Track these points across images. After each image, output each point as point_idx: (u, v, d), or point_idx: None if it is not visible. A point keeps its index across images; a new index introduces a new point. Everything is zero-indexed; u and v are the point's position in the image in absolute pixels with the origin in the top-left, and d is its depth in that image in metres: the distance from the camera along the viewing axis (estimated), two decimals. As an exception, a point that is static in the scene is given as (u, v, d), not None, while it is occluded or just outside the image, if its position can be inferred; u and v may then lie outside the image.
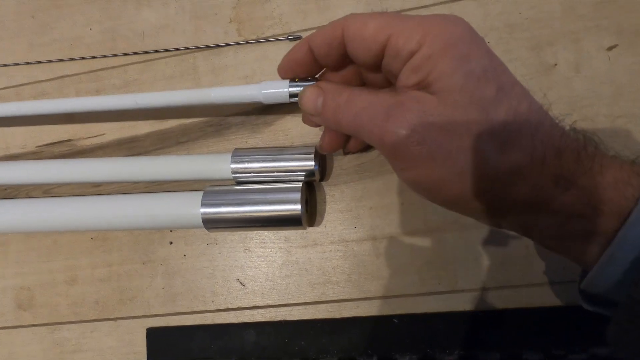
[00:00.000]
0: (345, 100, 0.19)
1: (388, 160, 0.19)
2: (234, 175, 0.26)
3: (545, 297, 0.24)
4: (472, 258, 0.25)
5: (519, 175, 0.17)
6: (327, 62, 0.21)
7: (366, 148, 0.26)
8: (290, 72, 0.22)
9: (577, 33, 0.26)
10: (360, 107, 0.18)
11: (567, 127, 0.17)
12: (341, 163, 0.27)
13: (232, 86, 0.24)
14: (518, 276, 0.25)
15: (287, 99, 0.23)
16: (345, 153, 0.25)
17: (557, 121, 0.17)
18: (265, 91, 0.23)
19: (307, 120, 0.23)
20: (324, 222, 0.27)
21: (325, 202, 0.27)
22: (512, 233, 0.25)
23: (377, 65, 0.19)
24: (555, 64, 0.26)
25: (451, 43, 0.17)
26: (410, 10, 0.28)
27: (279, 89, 0.23)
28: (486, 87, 0.16)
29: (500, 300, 0.25)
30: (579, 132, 0.17)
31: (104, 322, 0.29)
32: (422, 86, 0.17)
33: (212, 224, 0.25)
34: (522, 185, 0.17)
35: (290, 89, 0.22)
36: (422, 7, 0.27)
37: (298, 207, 0.24)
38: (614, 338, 0.16)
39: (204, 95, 0.24)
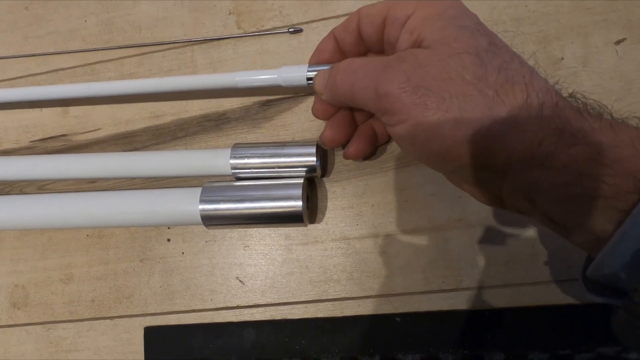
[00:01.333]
0: (346, 63, 0.20)
1: (381, 118, 0.19)
2: (233, 171, 0.25)
3: (551, 296, 0.24)
4: (477, 256, 0.25)
5: (515, 125, 0.16)
6: (346, 48, 0.22)
7: (367, 156, 0.25)
8: (317, 61, 0.23)
9: (585, 27, 0.25)
10: (358, 65, 0.19)
11: (567, 94, 0.17)
12: (343, 159, 0.26)
13: (254, 70, 0.25)
14: (523, 274, 0.24)
15: (304, 82, 0.23)
16: (345, 157, 0.24)
17: (553, 85, 0.17)
18: (284, 75, 0.24)
19: (316, 110, 0.23)
20: (325, 219, 0.26)
21: (326, 198, 0.27)
22: (516, 231, 0.24)
23: (381, 39, 0.20)
24: (562, 58, 0.25)
25: (443, 9, 0.18)
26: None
27: (297, 73, 0.23)
28: (480, 38, 0.17)
29: (505, 299, 0.24)
30: (580, 98, 0.17)
31: (101, 320, 0.28)
32: (418, 44, 0.18)
33: (211, 220, 0.24)
34: (519, 138, 0.16)
35: (308, 73, 0.23)
36: None
37: (299, 203, 0.23)
38: (623, 328, 0.15)
39: (229, 79, 0.25)
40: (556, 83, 0.17)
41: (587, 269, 0.16)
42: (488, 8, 0.26)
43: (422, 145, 0.18)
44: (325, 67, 0.22)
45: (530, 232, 0.24)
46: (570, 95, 0.17)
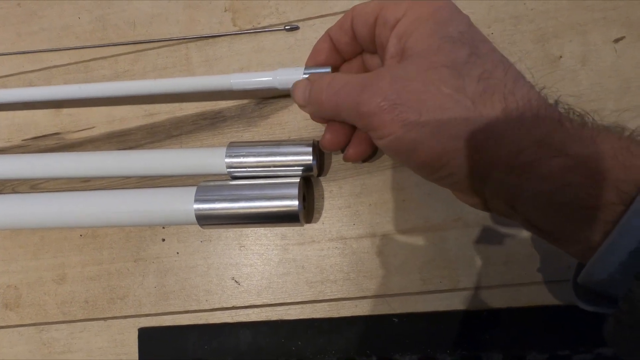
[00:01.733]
0: (327, 82, 0.20)
1: (367, 132, 0.19)
2: (228, 170, 0.25)
3: (550, 296, 0.24)
4: (474, 256, 0.24)
5: (493, 136, 0.16)
6: (341, 47, 0.22)
7: (366, 158, 0.25)
8: (314, 64, 0.23)
9: (584, 25, 0.25)
10: (340, 85, 0.19)
11: (552, 101, 0.17)
12: (340, 158, 0.26)
13: (249, 72, 0.25)
14: (521, 274, 0.24)
15: None
16: (345, 160, 0.24)
17: (540, 93, 0.17)
18: (280, 77, 0.24)
19: (326, 141, 0.23)
20: (321, 219, 0.26)
21: (323, 198, 0.26)
22: (514, 231, 0.24)
23: (374, 40, 0.21)
24: (561, 57, 0.25)
25: (433, 11, 0.18)
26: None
27: (293, 76, 0.23)
28: (460, 49, 0.17)
29: (503, 299, 0.24)
30: (564, 105, 0.17)
31: (94, 321, 0.28)
32: (404, 52, 0.18)
33: (206, 220, 0.24)
34: (498, 147, 0.16)
35: (304, 75, 0.23)
36: None
37: (295, 203, 0.23)
38: (613, 336, 0.15)
39: (223, 82, 0.25)
40: (542, 89, 0.17)
41: (578, 275, 0.16)
42: (486, 6, 0.26)
43: (405, 157, 0.18)
44: (322, 70, 0.22)
45: (528, 232, 0.24)
46: (556, 102, 0.17)
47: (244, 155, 0.24)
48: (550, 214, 0.16)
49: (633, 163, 0.14)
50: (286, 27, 0.28)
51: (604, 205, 0.15)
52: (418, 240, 0.25)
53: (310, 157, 0.24)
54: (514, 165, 0.16)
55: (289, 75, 0.23)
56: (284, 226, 0.26)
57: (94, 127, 0.30)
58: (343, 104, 0.19)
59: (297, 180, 0.24)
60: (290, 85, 0.23)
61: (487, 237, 0.24)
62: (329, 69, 0.23)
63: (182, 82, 0.26)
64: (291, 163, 0.24)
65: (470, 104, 0.16)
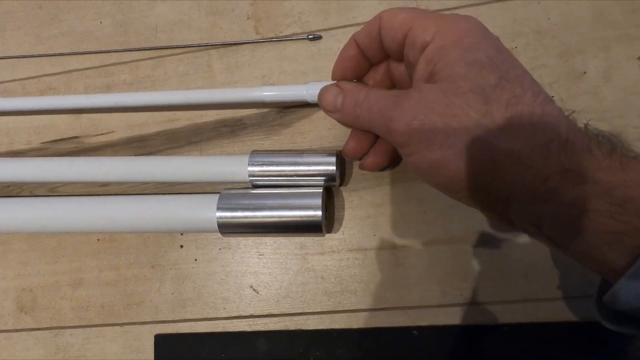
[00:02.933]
0: (363, 97, 0.21)
1: (398, 149, 0.20)
2: (250, 178, 0.25)
3: (570, 312, 0.23)
4: (495, 270, 0.24)
5: (518, 162, 0.16)
6: (369, 54, 0.22)
7: (383, 168, 0.25)
8: (341, 70, 0.23)
9: (607, 40, 0.25)
10: (374, 101, 0.20)
11: (582, 125, 0.17)
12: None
13: (281, 86, 0.25)
14: (542, 289, 0.24)
15: None
16: (361, 168, 0.24)
17: (569, 117, 0.17)
18: (312, 91, 0.24)
19: (349, 149, 0.23)
20: (341, 229, 0.26)
21: (343, 208, 0.26)
22: (536, 245, 0.24)
23: (401, 54, 0.21)
24: (585, 72, 0.25)
25: (462, 35, 0.18)
26: (435, 13, 0.27)
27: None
28: (489, 75, 0.17)
29: (523, 314, 0.24)
30: (593, 130, 0.17)
31: (110, 327, 0.27)
32: (432, 76, 0.18)
33: (228, 228, 0.24)
34: (523, 173, 0.16)
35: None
36: (446, 8, 0.27)
37: (319, 213, 0.23)
38: None
39: (255, 94, 0.25)
40: (572, 113, 0.17)
41: (602, 293, 0.16)
42: (509, 20, 0.26)
43: (429, 176, 0.19)
44: (350, 84, 0.22)
45: (549, 248, 0.24)
46: (585, 126, 0.17)
47: (266, 164, 0.24)
48: (576, 237, 0.16)
49: None
50: (309, 37, 0.28)
51: (631, 231, 0.15)
52: (438, 252, 0.25)
53: (334, 167, 0.24)
54: (538, 191, 0.16)
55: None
56: (306, 236, 0.26)
57: (113, 132, 0.30)
58: (376, 120, 0.20)
59: (320, 190, 0.24)
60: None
61: (507, 251, 0.24)
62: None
63: (213, 93, 0.26)
64: (314, 173, 0.24)
65: (496, 131, 0.17)
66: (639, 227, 0.15)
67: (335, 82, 0.23)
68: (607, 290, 0.16)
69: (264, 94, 0.25)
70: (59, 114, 0.30)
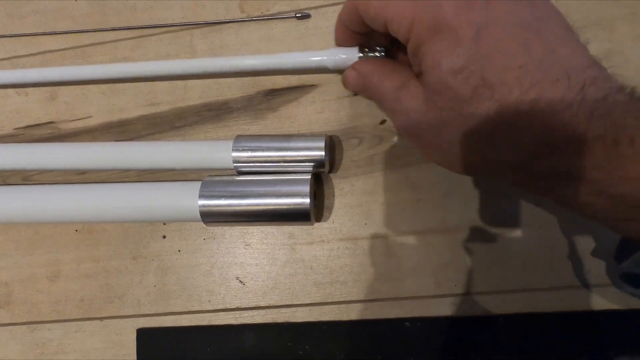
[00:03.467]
0: (375, 83, 0.21)
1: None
2: (235, 164, 0.23)
3: (569, 302, 0.23)
4: (491, 260, 0.23)
5: (510, 169, 0.17)
6: (363, 31, 0.21)
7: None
8: (342, 40, 0.22)
9: (612, 20, 0.24)
10: (383, 91, 0.20)
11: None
12: (352, 154, 0.25)
13: (302, 52, 0.24)
14: (540, 279, 0.23)
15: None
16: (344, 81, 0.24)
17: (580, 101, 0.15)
18: (335, 57, 0.23)
19: (346, 82, 0.23)
20: (331, 218, 0.25)
21: (333, 195, 0.25)
22: (534, 235, 0.23)
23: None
24: (586, 52, 0.24)
25: (435, 30, 0.16)
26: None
27: (349, 55, 0.22)
28: (465, 85, 0.16)
29: (520, 305, 0.23)
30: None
31: (90, 321, 0.26)
32: (421, 75, 0.18)
33: (211, 217, 0.23)
34: (518, 175, 0.17)
35: (360, 55, 0.22)
36: None
37: (307, 200, 0.22)
38: None
39: (276, 60, 0.24)
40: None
41: (621, 253, 0.16)
42: (508, -3, 0.25)
43: (435, 157, 0.20)
44: (376, 54, 0.22)
45: (549, 236, 0.23)
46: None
47: (252, 150, 0.23)
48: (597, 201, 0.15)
49: None
50: (297, 15, 0.26)
51: None
52: (433, 242, 0.24)
53: (323, 153, 0.23)
54: (528, 186, 0.17)
55: (345, 55, 0.22)
56: (293, 225, 0.25)
57: (91, 117, 0.28)
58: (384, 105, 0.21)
59: (309, 176, 0.22)
60: (344, 66, 0.23)
61: (505, 241, 0.23)
62: (382, 53, 0.22)
63: (231, 61, 0.25)
64: (302, 158, 0.23)
65: (480, 142, 0.17)
66: None
67: (382, 52, 0.22)
68: (626, 249, 0.15)
69: (284, 60, 0.24)
70: (29, 91, 0.28)
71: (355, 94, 0.25)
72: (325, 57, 0.23)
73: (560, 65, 0.15)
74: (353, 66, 0.22)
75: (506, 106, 0.15)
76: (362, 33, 0.21)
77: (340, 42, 0.22)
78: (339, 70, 0.24)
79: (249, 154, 0.23)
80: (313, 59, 0.23)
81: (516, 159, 0.16)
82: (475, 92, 0.16)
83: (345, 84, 0.23)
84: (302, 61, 0.24)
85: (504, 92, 0.15)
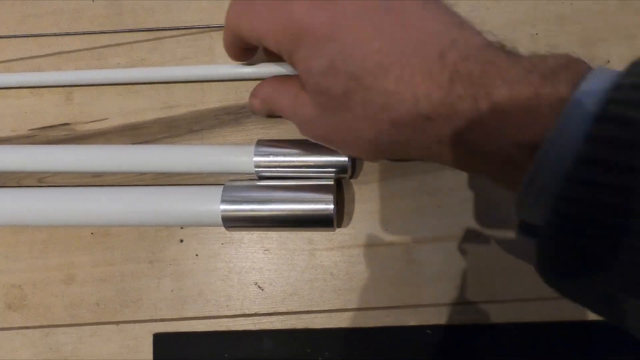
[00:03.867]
0: (275, 101, 0.22)
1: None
2: (256, 169, 0.23)
3: (590, 312, 0.23)
4: (512, 267, 0.23)
5: (405, 146, 0.17)
6: (253, 44, 0.21)
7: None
8: (236, 56, 0.23)
9: (634, 28, 0.24)
10: (280, 105, 0.22)
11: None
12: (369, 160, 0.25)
13: None
14: (559, 286, 0.23)
15: None
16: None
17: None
18: None
19: (253, 111, 0.25)
20: (351, 223, 0.25)
21: (353, 201, 0.25)
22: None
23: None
24: (609, 61, 0.24)
25: (296, 38, 0.17)
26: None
27: None
28: (336, 83, 0.17)
29: (541, 313, 0.23)
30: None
31: (105, 325, 0.26)
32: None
33: (232, 222, 0.22)
34: (413, 150, 0.18)
35: None
36: (464, -7, 0.25)
37: (331, 207, 0.21)
38: (542, 268, 0.14)
39: None
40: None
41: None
42: (529, 5, 0.25)
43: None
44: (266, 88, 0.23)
45: (570, 243, 0.23)
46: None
47: (274, 154, 0.23)
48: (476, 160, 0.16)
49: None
50: (318, 19, 0.26)
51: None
52: (453, 248, 0.24)
53: (346, 158, 0.22)
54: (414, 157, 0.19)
55: None
56: (315, 231, 0.25)
57: (106, 119, 0.28)
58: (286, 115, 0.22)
59: (332, 182, 0.22)
60: None
61: (525, 248, 0.23)
62: None
63: (254, 69, 0.25)
64: (325, 164, 0.23)
65: (359, 138, 0.18)
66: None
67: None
68: None
69: None
70: (45, 92, 0.28)
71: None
72: None
73: (416, 38, 0.15)
74: (253, 93, 0.23)
75: (376, 91, 0.16)
76: (252, 47, 0.22)
77: (238, 59, 0.23)
78: None
79: (271, 158, 0.23)
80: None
81: (404, 136, 0.17)
82: (347, 86, 0.16)
83: (253, 112, 0.24)
84: None
85: (369, 79, 0.16)
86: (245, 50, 0.22)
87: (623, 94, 0.12)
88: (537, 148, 0.13)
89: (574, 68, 0.14)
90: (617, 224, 0.12)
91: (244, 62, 0.24)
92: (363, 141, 0.18)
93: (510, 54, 0.15)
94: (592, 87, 0.13)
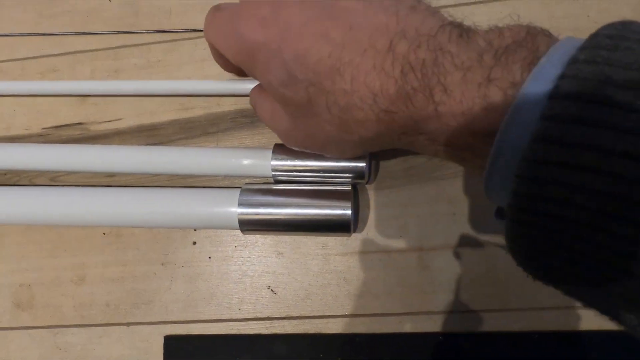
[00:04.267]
0: (259, 115, 0.22)
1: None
2: (273, 173, 0.23)
3: (603, 321, 0.23)
4: (525, 276, 0.23)
5: (378, 141, 0.18)
6: None
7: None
8: (226, 66, 0.22)
9: (649, 42, 0.24)
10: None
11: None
12: (388, 165, 0.25)
13: None
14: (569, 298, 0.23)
15: None
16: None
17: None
18: None
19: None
20: (366, 229, 0.25)
21: (368, 207, 0.25)
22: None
23: None
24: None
25: (250, 55, 0.18)
26: (465, 6, 0.26)
27: None
28: (298, 92, 0.17)
29: (555, 322, 0.23)
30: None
31: (115, 327, 0.26)
32: None
33: (249, 226, 0.22)
34: (387, 142, 0.18)
35: None
36: (480, 1, 0.26)
37: (348, 212, 0.21)
38: (512, 251, 0.15)
39: None
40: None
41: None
42: (546, 17, 0.25)
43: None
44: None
45: (584, 253, 0.23)
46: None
47: (292, 159, 0.23)
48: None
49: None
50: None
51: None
52: (467, 256, 0.24)
53: (364, 164, 0.22)
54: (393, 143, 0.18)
55: None
56: (332, 236, 0.25)
57: (121, 119, 0.28)
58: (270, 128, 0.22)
59: (349, 187, 0.22)
60: None
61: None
62: None
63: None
64: (342, 169, 0.23)
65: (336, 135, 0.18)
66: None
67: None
68: None
69: None
70: (62, 96, 0.28)
71: None
72: None
73: (363, 36, 0.15)
74: (251, 102, 0.23)
75: (337, 93, 0.16)
76: None
77: (228, 70, 0.22)
78: None
79: (289, 162, 0.23)
80: None
81: (371, 132, 0.17)
82: (308, 93, 0.17)
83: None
84: None
85: (328, 84, 0.16)
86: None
87: (575, 70, 0.12)
88: (493, 135, 0.13)
89: (532, 43, 0.13)
90: (574, 201, 0.11)
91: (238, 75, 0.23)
92: (337, 143, 0.19)
93: (464, 35, 0.14)
94: (548, 66, 0.12)
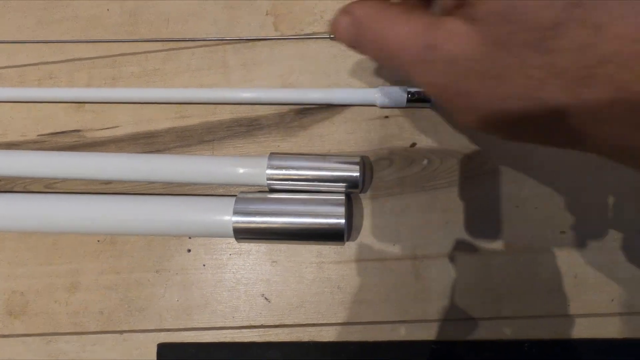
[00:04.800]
0: (382, 28, 0.15)
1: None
2: (268, 182, 0.23)
3: (594, 329, 0.23)
4: (518, 284, 0.24)
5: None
6: None
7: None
8: None
9: None
10: (393, 35, 0.15)
11: None
12: (382, 175, 0.25)
13: (349, 89, 0.26)
14: (565, 305, 0.23)
15: (404, 104, 0.24)
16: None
17: None
18: (384, 98, 0.25)
19: (337, 33, 0.18)
20: (360, 237, 0.25)
21: (362, 215, 0.25)
22: (560, 260, 0.24)
23: None
24: None
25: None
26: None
27: (398, 97, 0.24)
28: (548, 9, 0.11)
29: (545, 330, 0.23)
30: None
31: (109, 334, 0.26)
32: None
33: (244, 234, 0.22)
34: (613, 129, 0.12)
35: (408, 93, 0.24)
36: None
37: (342, 221, 0.22)
38: None
39: (322, 95, 0.26)
40: None
41: None
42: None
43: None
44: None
45: (574, 262, 0.23)
46: None
47: (286, 168, 0.23)
48: None
49: None
50: (331, 36, 0.27)
51: None
52: (461, 264, 0.24)
53: (358, 174, 0.23)
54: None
55: (393, 95, 0.25)
56: (325, 244, 0.25)
57: (118, 127, 0.28)
58: (398, 61, 0.15)
59: (342, 196, 0.23)
60: (390, 104, 0.25)
61: (532, 265, 0.24)
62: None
63: (274, 93, 0.26)
64: (336, 178, 0.23)
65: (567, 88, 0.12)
66: None
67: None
68: None
69: (334, 96, 0.26)
70: (59, 103, 0.28)
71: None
72: (376, 95, 0.25)
73: None
74: (345, 9, 0.17)
75: (618, 40, 0.11)
76: None
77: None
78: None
79: (284, 171, 0.23)
80: (361, 97, 0.25)
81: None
82: (564, 13, 0.11)
83: (335, 35, 0.18)
84: (349, 98, 0.25)
85: (619, 27, 0.10)
86: None
87: None
88: None
89: None
90: None
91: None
92: (538, 104, 0.12)
93: None
94: None
